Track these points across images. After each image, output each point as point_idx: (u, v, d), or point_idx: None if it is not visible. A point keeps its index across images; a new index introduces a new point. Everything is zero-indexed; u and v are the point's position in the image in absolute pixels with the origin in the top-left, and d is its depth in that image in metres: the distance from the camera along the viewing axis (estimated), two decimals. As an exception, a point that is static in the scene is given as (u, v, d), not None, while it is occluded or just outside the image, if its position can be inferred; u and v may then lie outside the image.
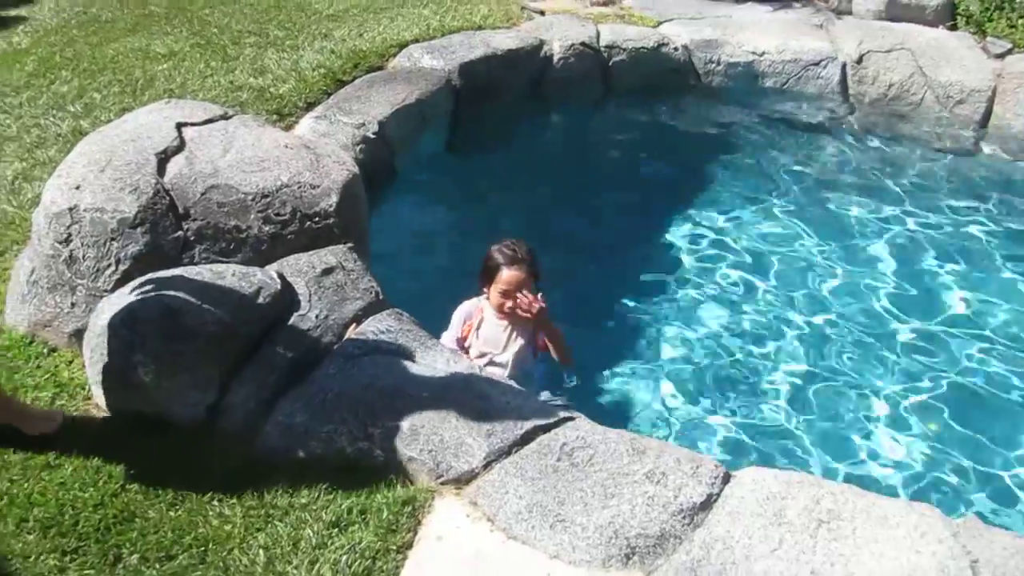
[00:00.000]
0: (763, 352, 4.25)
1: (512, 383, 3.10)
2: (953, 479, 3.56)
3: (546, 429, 2.80)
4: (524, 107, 6.02)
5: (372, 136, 4.64)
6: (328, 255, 3.37)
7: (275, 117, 4.64)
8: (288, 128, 4.59)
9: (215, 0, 6.48)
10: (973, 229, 5.26)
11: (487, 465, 2.68)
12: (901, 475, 3.59)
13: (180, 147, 3.44)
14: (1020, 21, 6.28)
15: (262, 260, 3.28)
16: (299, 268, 3.26)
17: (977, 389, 4.04)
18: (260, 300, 3.01)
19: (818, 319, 4.46)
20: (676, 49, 6.35)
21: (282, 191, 3.38)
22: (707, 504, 2.60)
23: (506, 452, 2.71)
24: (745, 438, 3.74)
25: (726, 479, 2.70)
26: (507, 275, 3.41)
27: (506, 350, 3.49)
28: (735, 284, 4.74)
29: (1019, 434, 3.80)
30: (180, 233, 3.19)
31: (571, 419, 2.89)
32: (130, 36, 5.78)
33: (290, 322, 3.07)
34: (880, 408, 3.93)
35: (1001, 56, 6.14)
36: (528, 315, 3.41)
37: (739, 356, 4.22)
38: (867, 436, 3.78)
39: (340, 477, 2.67)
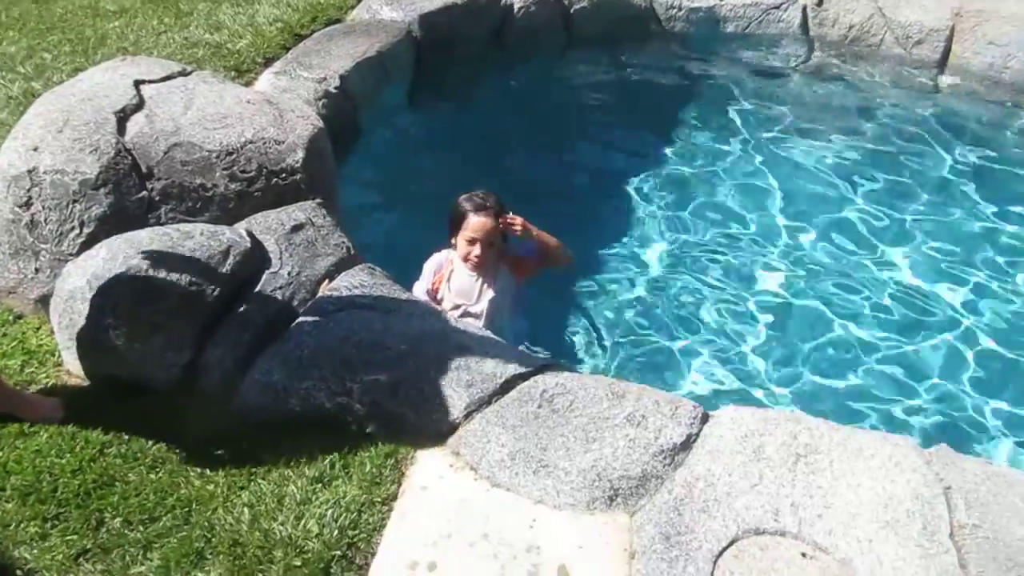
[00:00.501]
0: (733, 295, 4.30)
1: (488, 333, 3.10)
2: (925, 412, 3.65)
3: (525, 377, 2.81)
4: (486, 58, 5.94)
5: (334, 91, 4.56)
6: (297, 211, 3.32)
7: (233, 74, 4.54)
8: (247, 85, 4.49)
9: (164, -46, 6.27)
10: (934, 166, 5.35)
11: (468, 415, 2.69)
12: (875, 409, 3.67)
13: (139, 105, 3.35)
14: (977, -41, 6.29)
15: (230, 218, 3.23)
16: (268, 225, 3.21)
17: (942, 327, 4.14)
18: (230, 258, 2.97)
19: (788, 261, 4.52)
20: (638, -5, 6.29)
21: (247, 148, 3.31)
22: (687, 444, 2.64)
23: (486, 402, 2.72)
24: (719, 380, 3.80)
25: (704, 419, 2.74)
26: (474, 222, 3.40)
27: (479, 300, 3.49)
28: (702, 229, 4.77)
29: (987, 368, 3.91)
30: (144, 193, 3.12)
31: (550, 366, 2.91)
32: (77, -7, 5.60)
33: (262, 280, 3.04)
34: (851, 345, 4.01)
35: (958, -6, 6.16)
36: (518, 231, 3.45)
37: (710, 300, 4.27)
38: (839, 374, 3.86)
39: (321, 433, 2.67)
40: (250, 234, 3.11)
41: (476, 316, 3.48)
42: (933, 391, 3.77)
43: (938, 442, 2.74)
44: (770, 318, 4.14)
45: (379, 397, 2.73)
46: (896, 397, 3.73)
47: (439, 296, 3.53)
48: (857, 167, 5.32)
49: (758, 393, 3.73)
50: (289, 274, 3.08)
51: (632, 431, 2.65)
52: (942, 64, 6.12)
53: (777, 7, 6.31)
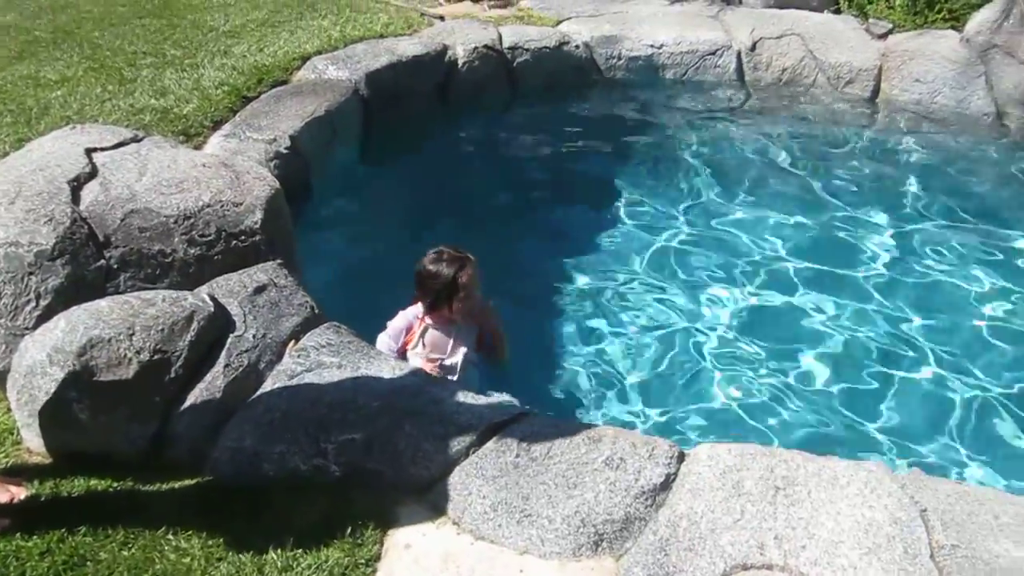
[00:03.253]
0: (690, 335, 4.35)
1: (461, 384, 3.09)
2: (894, 435, 3.73)
3: (501, 427, 2.80)
4: (433, 113, 6.03)
5: (285, 151, 4.56)
6: (259, 273, 3.29)
7: (182, 138, 4.51)
8: (197, 148, 4.46)
9: (104, 22, 6.25)
10: (873, 198, 5.52)
11: (447, 469, 2.67)
12: (845, 439, 3.73)
13: (92, 173, 3.31)
14: (897, 2, 6.61)
15: (191, 283, 3.18)
16: (231, 288, 3.17)
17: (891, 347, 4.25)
18: (194, 324, 2.91)
19: (739, 297, 4.60)
20: (578, 47, 6.46)
21: (204, 211, 3.28)
22: (667, 484, 2.65)
23: (464, 454, 2.70)
24: (689, 418, 3.83)
25: (681, 458, 2.76)
26: (466, 279, 3.38)
27: (454, 354, 3.48)
28: (654, 272, 4.83)
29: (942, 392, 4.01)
30: (103, 262, 3.07)
31: (524, 415, 2.90)
32: (16, 64, 5.52)
33: (227, 344, 2.99)
34: (808, 375, 4.09)
35: (883, 36, 6.46)
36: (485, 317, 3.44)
37: (664, 341, 4.30)
38: (807, 406, 3.92)
39: (298, 496, 2.61)
40: (213, 298, 3.07)
41: (451, 370, 3.46)
42: (895, 416, 3.85)
43: (908, 466, 2.80)
44: (726, 355, 4.19)
45: (354, 456, 2.69)
46: (860, 422, 3.80)
47: (408, 354, 3.50)
48: (802, 203, 5.46)
49: (731, 430, 3.76)
50: (254, 337, 3.04)
51: (612, 474, 2.65)
52: (872, 101, 6.38)
53: (713, 53, 6.53)
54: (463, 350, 3.49)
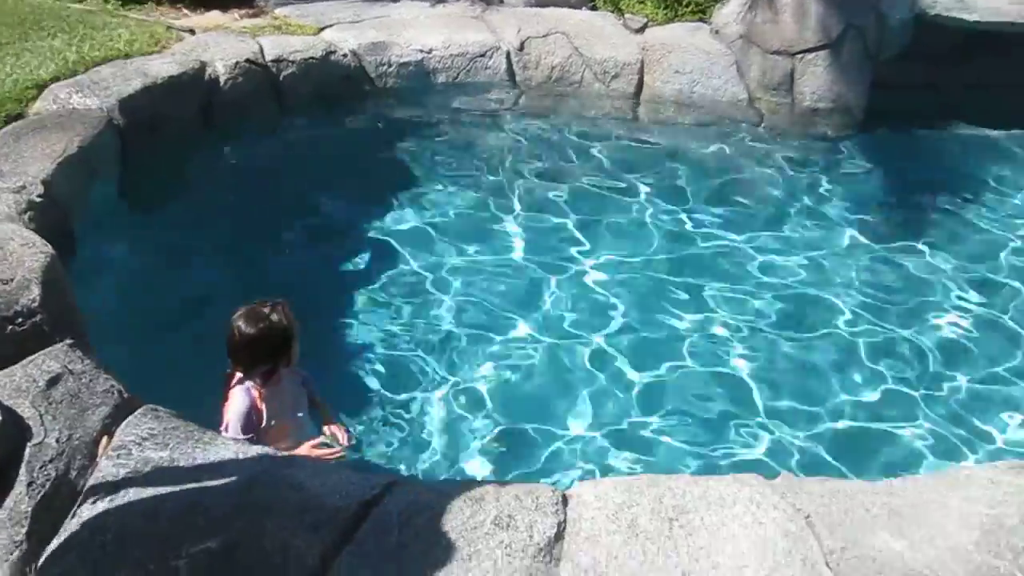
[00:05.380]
0: (498, 347, 4.33)
1: (314, 461, 2.78)
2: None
3: (374, 502, 2.53)
4: (196, 138, 5.49)
5: (38, 199, 3.92)
6: (47, 361, 2.77)
7: (-98, 196, 3.74)
8: (-77, 207, 3.73)
9: None
10: (642, 188, 5.77)
11: (326, 564, 2.37)
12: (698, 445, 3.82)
13: None
14: (647, -4, 6.88)
15: (-37, 387, 2.61)
16: (17, 386, 2.64)
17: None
18: (-20, 440, 2.39)
19: (545, 304, 4.65)
20: (345, 55, 6.16)
21: (-33, 296, 2.71)
22: (560, 534, 2.52)
23: (341, 542, 2.41)
24: (538, 453, 3.75)
25: (565, 501, 2.64)
26: (294, 323, 3.05)
27: (297, 408, 3.19)
28: (449, 285, 4.77)
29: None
30: None
31: (393, 483, 2.65)
32: None
33: (26, 457, 2.48)
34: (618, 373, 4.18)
35: (640, 30, 6.70)
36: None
37: (471, 356, 4.27)
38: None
39: (154, 631, 2.21)
40: (-3, 402, 2.54)
41: (300, 423, 3.17)
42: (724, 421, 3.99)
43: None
44: (543, 367, 4.21)
45: (214, 569, 2.31)
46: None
47: (263, 426, 3.10)
48: (580, 200, 5.59)
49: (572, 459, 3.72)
50: (58, 441, 2.55)
51: (504, 535, 2.47)
52: (637, 94, 6.60)
53: (482, 55, 6.47)
54: (303, 402, 3.22)
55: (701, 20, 6.76)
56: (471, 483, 2.68)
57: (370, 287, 4.72)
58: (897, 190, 5.97)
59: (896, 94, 6.34)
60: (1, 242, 2.98)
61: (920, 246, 5.29)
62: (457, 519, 2.50)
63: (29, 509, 2.39)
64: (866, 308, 4.70)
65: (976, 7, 6.16)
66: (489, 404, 3.97)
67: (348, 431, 3.33)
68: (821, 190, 5.84)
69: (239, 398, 3.05)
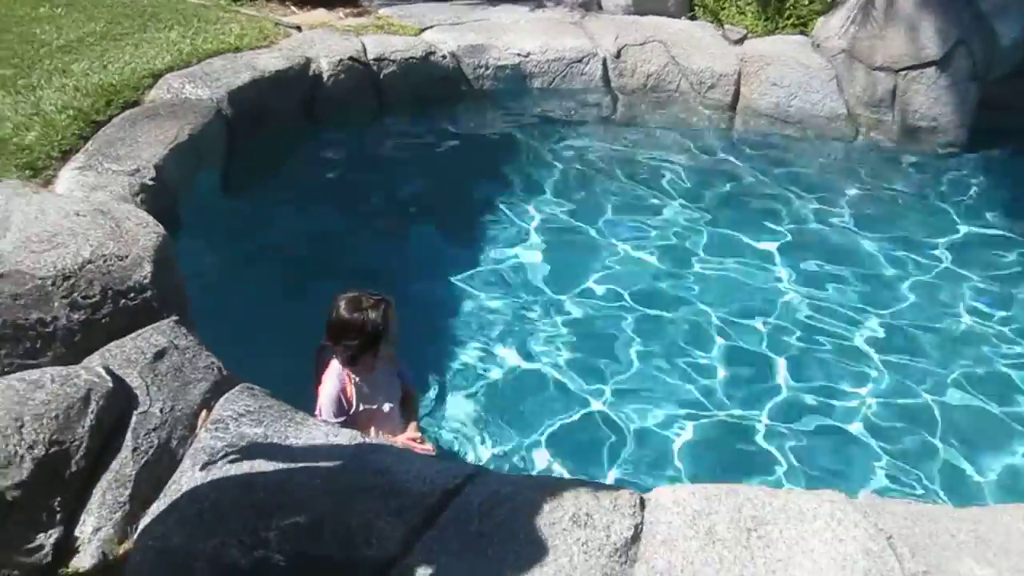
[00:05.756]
0: (582, 357, 4.31)
1: (400, 446, 2.86)
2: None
3: (455, 492, 2.59)
4: (299, 131, 5.67)
5: (150, 183, 4.11)
6: (155, 335, 2.92)
7: (28, 173, 3.98)
8: (46, 184, 3.96)
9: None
10: (735, 196, 5.74)
11: (407, 546, 2.43)
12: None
13: (-58, 233, 2.83)
14: (748, 8, 6.80)
15: (78, 355, 2.78)
16: (127, 357, 2.79)
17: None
18: (92, 405, 2.54)
19: (641, 310, 4.62)
20: (444, 57, 6.26)
21: (86, 269, 2.88)
22: (636, 536, 2.53)
23: (423, 527, 2.48)
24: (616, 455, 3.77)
25: (643, 504, 2.65)
26: (392, 320, 3.12)
27: (387, 402, 3.26)
28: (539, 291, 4.78)
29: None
30: (-30, 340, 2.62)
31: (475, 474, 2.71)
32: None
33: (132, 424, 2.62)
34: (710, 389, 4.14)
35: (739, 42, 6.63)
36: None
37: (557, 361, 4.27)
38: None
39: (242, 597, 2.31)
40: (109, 371, 2.69)
41: (388, 418, 3.23)
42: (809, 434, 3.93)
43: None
44: (611, 377, 4.19)
45: (301, 542, 2.40)
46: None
47: (352, 412, 3.19)
48: (671, 206, 5.56)
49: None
50: (162, 411, 2.69)
51: (582, 533, 2.50)
52: (733, 105, 6.54)
53: (579, 60, 6.50)
54: (394, 394, 3.27)
55: (802, 33, 6.66)
56: (550, 479, 2.73)
57: (454, 281, 4.80)
58: (1001, 211, 5.77)
59: (1005, 114, 6.13)
60: (118, 220, 3.14)
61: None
62: (536, 513, 2.54)
63: (133, 473, 2.52)
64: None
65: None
66: (575, 395, 4.02)
67: (427, 442, 3.35)
68: (920, 208, 5.70)
69: (331, 382, 3.15)
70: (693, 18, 7.02)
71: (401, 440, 3.13)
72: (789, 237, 5.30)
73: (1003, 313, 4.74)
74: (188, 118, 4.70)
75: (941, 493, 3.65)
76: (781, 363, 4.31)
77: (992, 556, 2.49)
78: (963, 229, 5.48)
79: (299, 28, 6.23)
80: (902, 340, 4.50)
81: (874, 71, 6.15)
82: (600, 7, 7.13)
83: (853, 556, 2.48)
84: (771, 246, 5.20)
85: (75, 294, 2.81)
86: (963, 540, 2.58)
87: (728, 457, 3.79)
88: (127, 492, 2.47)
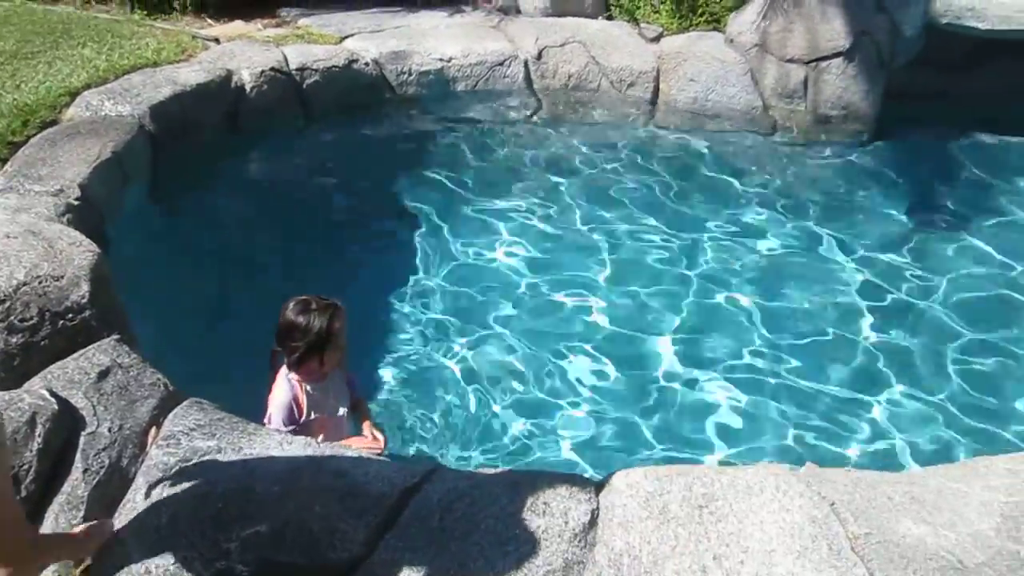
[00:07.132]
0: (531, 351, 4.44)
1: (356, 449, 2.88)
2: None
3: (415, 489, 2.63)
4: (223, 144, 5.61)
5: (76, 202, 4.03)
6: (97, 354, 2.87)
7: (-55, 199, 3.85)
8: (-36, 210, 3.84)
9: None
10: (657, 190, 5.95)
11: (370, 547, 2.46)
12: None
13: None
14: (662, 7, 6.98)
15: (18, 379, 2.73)
16: (70, 378, 2.75)
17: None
18: (38, 428, 2.50)
19: (602, 303, 4.78)
20: (367, 64, 6.28)
21: (21, 291, 2.83)
22: (594, 520, 2.60)
23: (385, 527, 2.51)
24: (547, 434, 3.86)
25: (598, 489, 2.73)
26: (339, 327, 3.11)
27: (338, 407, 3.26)
28: (466, 293, 4.88)
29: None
30: (-96, 370, 2.54)
31: (433, 471, 2.75)
32: None
33: (80, 445, 2.58)
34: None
35: (656, 39, 6.80)
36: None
37: (498, 359, 4.38)
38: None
39: (207, 610, 2.30)
40: (53, 393, 2.64)
41: (339, 423, 3.25)
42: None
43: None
44: (582, 369, 4.28)
45: (264, 551, 2.41)
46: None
47: (303, 420, 3.18)
48: (600, 205, 5.73)
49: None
50: (110, 431, 2.65)
51: (540, 521, 2.56)
52: (653, 102, 6.71)
53: (501, 63, 6.58)
54: (345, 401, 3.27)
55: (715, 29, 6.85)
56: (507, 472, 2.78)
57: (389, 287, 4.85)
58: (907, 197, 6.05)
59: (908, 102, 6.43)
60: (50, 241, 3.08)
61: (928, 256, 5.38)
62: (495, 506, 2.59)
63: (85, 494, 2.49)
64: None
65: (987, 16, 6.22)
66: (522, 396, 4.10)
67: (384, 434, 3.40)
68: (833, 196, 5.94)
69: (281, 390, 3.14)
70: (610, 18, 7.16)
71: (355, 443, 3.15)
72: (701, 230, 5.55)
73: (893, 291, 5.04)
74: (110, 135, 4.62)
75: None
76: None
77: (927, 514, 2.64)
78: (873, 214, 5.76)
79: (217, 40, 6.16)
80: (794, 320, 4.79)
81: (786, 63, 6.38)
82: (518, 10, 7.22)
83: (800, 524, 2.60)
84: (690, 236, 5.44)
85: (11, 317, 2.76)
86: (899, 502, 2.72)
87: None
88: (80, 514, 2.44)
